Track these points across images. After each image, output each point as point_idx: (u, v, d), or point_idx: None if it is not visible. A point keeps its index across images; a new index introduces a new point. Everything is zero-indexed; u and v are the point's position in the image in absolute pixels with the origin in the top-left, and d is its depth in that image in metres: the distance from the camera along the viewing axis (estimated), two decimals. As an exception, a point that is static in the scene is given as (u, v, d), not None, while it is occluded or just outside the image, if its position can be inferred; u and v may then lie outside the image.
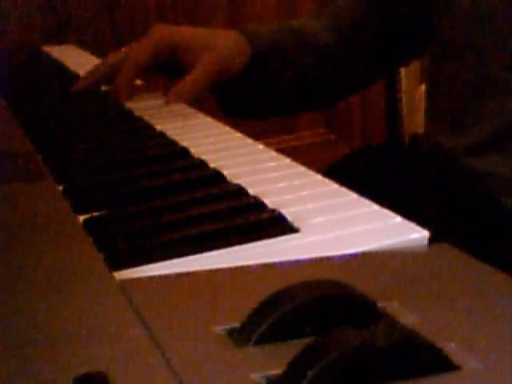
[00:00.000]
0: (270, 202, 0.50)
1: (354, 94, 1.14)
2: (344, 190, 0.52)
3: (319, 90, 1.03)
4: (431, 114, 0.94)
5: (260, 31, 0.98)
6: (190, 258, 0.43)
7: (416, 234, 0.44)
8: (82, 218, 0.50)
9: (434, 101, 0.94)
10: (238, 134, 0.71)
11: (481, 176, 0.83)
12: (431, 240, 0.43)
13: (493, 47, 0.82)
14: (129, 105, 0.87)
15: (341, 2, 1.03)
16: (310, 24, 1.02)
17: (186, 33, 0.94)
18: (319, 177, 0.56)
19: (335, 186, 0.54)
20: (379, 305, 0.34)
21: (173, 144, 0.69)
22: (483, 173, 0.83)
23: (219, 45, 0.93)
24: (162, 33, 0.93)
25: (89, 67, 0.99)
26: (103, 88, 0.97)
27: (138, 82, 0.95)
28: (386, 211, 0.48)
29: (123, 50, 0.94)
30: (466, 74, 0.86)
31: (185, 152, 0.65)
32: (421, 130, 1.00)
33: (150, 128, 0.76)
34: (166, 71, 0.96)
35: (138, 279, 0.40)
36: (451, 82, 0.89)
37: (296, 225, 0.46)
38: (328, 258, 0.42)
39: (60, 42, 1.82)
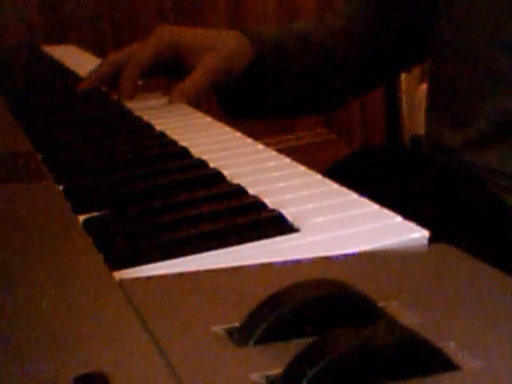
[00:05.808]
0: (270, 202, 0.50)
1: (355, 98, 1.14)
2: (344, 189, 0.52)
3: (320, 93, 1.03)
4: (432, 112, 0.95)
5: (262, 32, 0.98)
6: (190, 257, 0.43)
7: (416, 234, 0.44)
8: (81, 218, 0.50)
9: (435, 99, 0.94)
10: (238, 134, 0.71)
11: (482, 172, 0.83)
12: (431, 240, 0.43)
13: (492, 46, 0.82)
14: (129, 105, 0.88)
15: (344, 5, 1.03)
16: (312, 27, 1.02)
17: (188, 33, 0.94)
18: (319, 177, 0.56)
19: (335, 185, 0.54)
20: (379, 305, 0.34)
21: (173, 144, 0.69)
22: (484, 169, 0.83)
23: (221, 45, 0.93)
24: (165, 33, 0.93)
25: (89, 67, 0.99)
26: (103, 88, 0.97)
27: (139, 82, 0.95)
28: (385, 211, 0.48)
29: (124, 49, 0.94)
30: (466, 72, 0.86)
31: (185, 152, 0.65)
32: (421, 131, 1.00)
33: (150, 128, 0.76)
34: (168, 72, 0.96)
35: (138, 279, 0.40)
36: (452, 80, 0.89)
37: (296, 225, 0.46)
38: (328, 258, 0.42)
39: (60, 41, 1.82)
